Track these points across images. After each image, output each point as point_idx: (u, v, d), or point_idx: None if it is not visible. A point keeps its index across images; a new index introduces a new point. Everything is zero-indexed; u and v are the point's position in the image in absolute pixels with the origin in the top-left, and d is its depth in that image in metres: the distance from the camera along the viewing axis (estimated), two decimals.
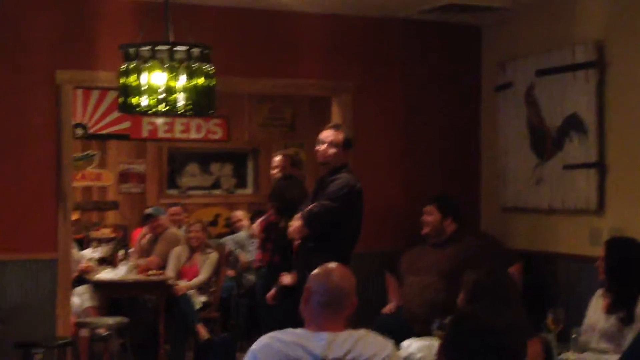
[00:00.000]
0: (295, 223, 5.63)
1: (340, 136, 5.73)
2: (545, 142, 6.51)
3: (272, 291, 5.99)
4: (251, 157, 11.89)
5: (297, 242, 5.71)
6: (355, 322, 3.34)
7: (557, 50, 6.36)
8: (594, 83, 6.02)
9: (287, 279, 5.83)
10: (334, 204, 5.56)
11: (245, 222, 9.29)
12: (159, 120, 10.94)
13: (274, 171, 6.71)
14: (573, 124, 6.21)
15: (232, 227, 9.96)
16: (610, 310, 4.67)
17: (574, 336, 4.30)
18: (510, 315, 2.35)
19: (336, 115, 7.02)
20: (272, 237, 6.27)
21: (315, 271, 3.35)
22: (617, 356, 4.12)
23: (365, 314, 6.29)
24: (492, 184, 7.14)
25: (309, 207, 5.64)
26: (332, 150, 5.70)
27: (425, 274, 6.25)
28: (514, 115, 6.82)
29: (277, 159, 6.72)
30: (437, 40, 7.22)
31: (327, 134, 5.75)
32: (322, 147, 5.73)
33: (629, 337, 4.41)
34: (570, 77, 6.22)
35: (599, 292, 4.87)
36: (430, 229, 6.41)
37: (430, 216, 6.42)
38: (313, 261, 3.55)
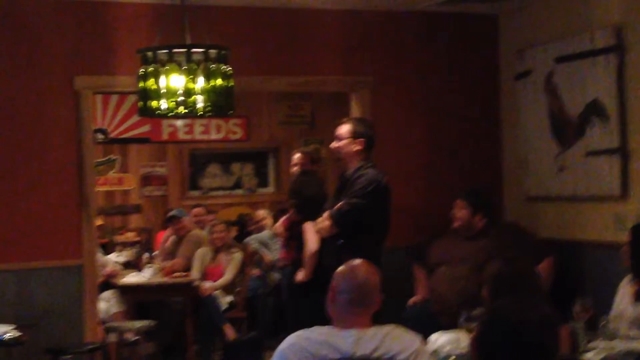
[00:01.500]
0: (325, 222, 5.63)
1: (344, 128, 5.70)
2: (566, 129, 6.48)
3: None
4: (272, 155, 11.91)
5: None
6: (381, 318, 3.34)
7: (576, 36, 6.33)
8: (614, 68, 5.99)
9: (300, 275, 5.85)
10: (362, 200, 5.55)
11: (269, 220, 9.31)
12: (179, 123, 10.99)
13: (294, 169, 6.72)
14: (594, 110, 6.18)
15: (247, 227, 10.01)
16: (638, 297, 4.65)
17: (602, 324, 4.28)
18: (541, 308, 2.35)
19: (355, 110, 7.01)
20: (296, 235, 6.27)
21: (340, 269, 3.35)
22: None
23: (391, 309, 6.31)
24: (514, 174, 7.12)
25: (337, 205, 5.62)
26: (337, 144, 5.69)
27: (458, 264, 6.25)
28: (534, 103, 6.79)
29: (297, 156, 6.72)
30: (454, 31, 7.19)
31: (336, 130, 5.77)
32: (333, 143, 5.76)
33: None
34: (590, 63, 6.19)
35: (627, 279, 4.85)
36: (460, 223, 6.44)
37: (461, 211, 6.44)
38: (343, 259, 3.55)
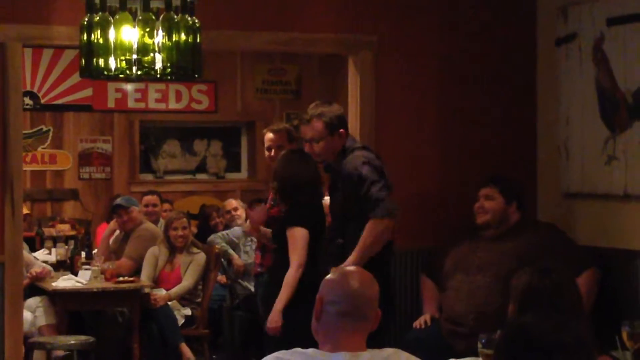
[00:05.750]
0: (383, 222, 5.74)
1: (316, 128, 5.77)
2: (619, 110, 6.53)
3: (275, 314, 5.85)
4: (245, 132, 11.95)
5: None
6: (381, 340, 3.39)
7: None
8: None
9: None
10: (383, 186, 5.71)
11: (242, 212, 9.32)
12: (129, 87, 11.00)
13: (268, 153, 6.74)
14: None
15: (210, 221, 10.03)
16: None
17: None
18: (576, 328, 2.38)
19: (353, 78, 7.03)
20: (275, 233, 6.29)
21: (328, 276, 3.37)
22: None
23: (394, 328, 6.37)
24: (551, 163, 7.16)
25: (373, 200, 5.73)
26: (316, 148, 5.78)
27: (477, 273, 6.29)
28: (579, 75, 6.84)
29: (268, 137, 6.74)
30: None
31: (304, 132, 5.83)
32: (307, 147, 5.83)
33: None
34: None
35: None
36: (491, 216, 6.46)
37: (491, 201, 6.47)
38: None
